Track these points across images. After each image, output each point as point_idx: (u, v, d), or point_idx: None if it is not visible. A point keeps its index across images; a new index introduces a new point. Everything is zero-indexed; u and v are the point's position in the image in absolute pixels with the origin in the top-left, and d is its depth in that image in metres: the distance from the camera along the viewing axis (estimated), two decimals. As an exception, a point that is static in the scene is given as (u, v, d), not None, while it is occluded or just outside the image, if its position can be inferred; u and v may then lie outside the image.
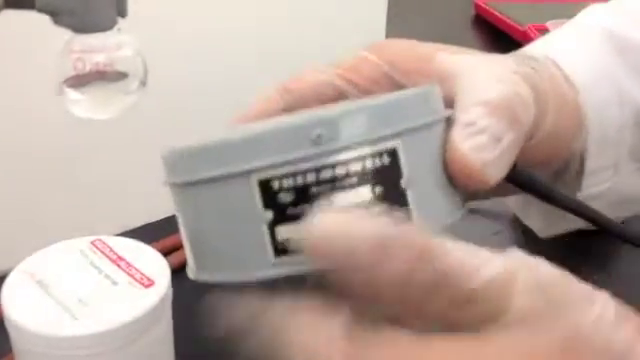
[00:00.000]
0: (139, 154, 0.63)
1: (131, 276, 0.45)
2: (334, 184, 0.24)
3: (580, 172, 0.38)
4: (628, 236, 0.35)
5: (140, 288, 0.44)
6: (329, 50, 0.48)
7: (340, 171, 0.24)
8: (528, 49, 0.39)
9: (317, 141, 0.24)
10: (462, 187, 0.27)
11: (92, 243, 0.47)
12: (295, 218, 0.24)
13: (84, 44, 0.32)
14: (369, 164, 0.25)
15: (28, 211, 0.59)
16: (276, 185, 0.24)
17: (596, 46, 0.39)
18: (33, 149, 0.58)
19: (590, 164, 0.38)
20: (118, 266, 0.46)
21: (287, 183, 0.24)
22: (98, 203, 0.62)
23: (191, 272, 0.28)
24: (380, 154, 0.25)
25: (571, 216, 0.37)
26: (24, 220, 0.58)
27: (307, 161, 0.24)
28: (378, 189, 0.25)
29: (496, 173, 0.28)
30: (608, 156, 0.38)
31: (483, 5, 1.22)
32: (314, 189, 0.24)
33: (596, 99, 0.37)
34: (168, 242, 0.61)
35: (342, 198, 0.24)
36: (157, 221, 0.65)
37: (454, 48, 0.35)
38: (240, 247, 0.25)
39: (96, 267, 0.46)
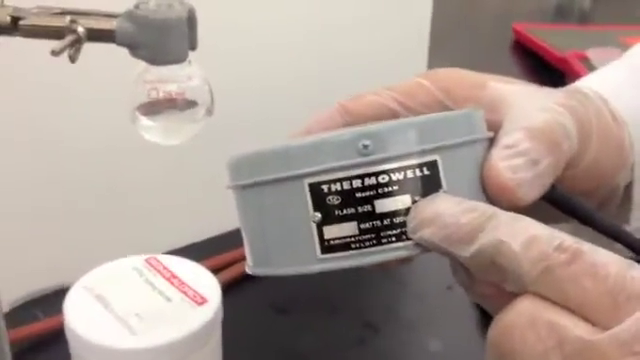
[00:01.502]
0: (186, 177, 0.66)
1: (184, 293, 0.47)
2: (377, 191, 0.27)
3: (627, 205, 0.39)
4: None
5: (193, 305, 0.46)
6: (377, 74, 0.50)
7: (383, 179, 0.27)
8: (579, 84, 0.40)
9: (363, 151, 0.26)
10: (497, 204, 0.29)
11: (146, 261, 0.49)
12: (341, 220, 0.26)
13: (158, 75, 0.34)
14: (410, 174, 0.27)
15: (87, 229, 0.61)
16: (325, 189, 0.26)
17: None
18: (92, 174, 0.60)
19: (637, 197, 0.39)
20: (171, 283, 0.48)
21: (334, 188, 0.27)
22: (151, 223, 0.64)
23: (248, 268, 0.30)
24: (421, 166, 0.27)
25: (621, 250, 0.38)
26: (84, 238, 0.61)
27: (353, 169, 0.26)
28: (418, 198, 0.27)
29: (529, 193, 0.29)
30: None
31: (522, 31, 1.22)
32: (359, 194, 0.26)
33: None
34: (217, 260, 0.64)
35: (384, 204, 0.26)
36: (204, 240, 0.68)
37: (505, 78, 0.36)
38: (291, 244, 0.28)
39: (150, 284, 0.48)
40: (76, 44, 0.34)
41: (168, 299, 0.46)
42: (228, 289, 0.58)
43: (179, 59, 0.34)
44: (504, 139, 0.30)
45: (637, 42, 0.47)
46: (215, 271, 0.53)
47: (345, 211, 0.27)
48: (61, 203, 0.59)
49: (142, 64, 0.35)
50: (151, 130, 0.36)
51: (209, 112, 0.36)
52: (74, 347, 0.45)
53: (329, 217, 0.27)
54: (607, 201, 0.39)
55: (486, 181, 0.29)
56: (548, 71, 1.11)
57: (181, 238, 0.66)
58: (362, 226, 0.27)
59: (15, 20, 0.35)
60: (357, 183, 0.27)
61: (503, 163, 0.29)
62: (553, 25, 1.38)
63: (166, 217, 0.66)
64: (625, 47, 1.05)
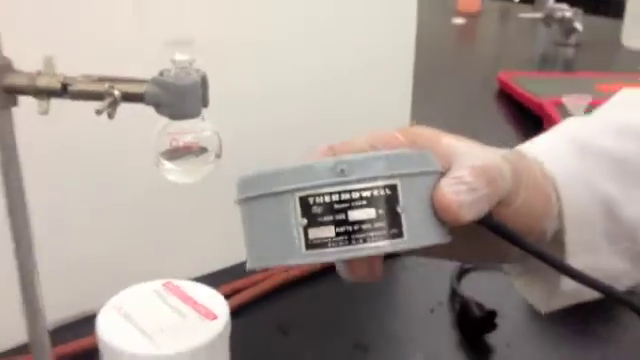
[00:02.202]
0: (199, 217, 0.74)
1: (197, 311, 0.55)
2: (350, 204, 0.35)
3: (562, 255, 0.46)
4: (615, 296, 0.42)
5: (205, 320, 0.54)
6: (362, 123, 0.59)
7: (355, 195, 0.35)
8: (519, 147, 0.48)
9: (341, 174, 0.35)
10: (443, 220, 0.37)
11: (164, 285, 0.58)
12: (321, 224, 0.35)
13: (178, 127, 0.43)
14: (376, 193, 0.35)
15: (112, 258, 0.70)
16: (311, 201, 0.35)
17: (569, 148, 0.48)
18: (117, 207, 0.69)
19: (569, 243, 0.46)
20: (186, 303, 0.56)
21: (318, 200, 0.35)
22: (168, 252, 0.73)
23: (248, 265, 0.39)
24: (384, 187, 0.36)
25: (569, 291, 0.46)
26: (109, 264, 0.69)
27: (332, 186, 0.35)
28: (381, 211, 0.35)
29: (468, 213, 0.38)
30: (584, 237, 0.46)
31: (505, 79, 1.32)
32: (336, 206, 0.35)
33: (568, 188, 0.46)
34: (227, 287, 0.72)
35: (355, 214, 0.35)
36: (215, 271, 0.76)
37: (458, 137, 0.44)
38: (282, 242, 0.36)
39: (168, 304, 0.56)
40: (113, 105, 0.43)
41: (183, 316, 0.55)
42: (236, 312, 0.67)
43: (194, 115, 0.43)
44: (452, 173, 0.39)
45: (610, 89, 0.55)
46: (226, 297, 0.61)
47: (325, 218, 0.35)
48: (93, 232, 0.68)
49: (164, 119, 0.44)
50: (172, 172, 0.44)
51: (218, 156, 0.45)
52: (106, 357, 0.53)
53: (313, 222, 0.35)
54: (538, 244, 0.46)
55: (435, 203, 0.37)
56: (528, 117, 1.20)
57: (195, 269, 0.74)
58: (337, 230, 0.35)
59: (65, 86, 0.44)
60: (335, 197, 0.35)
61: (449, 188, 0.38)
62: (537, 73, 1.48)
63: (185, 250, 0.74)
64: (599, 93, 1.14)
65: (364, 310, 0.75)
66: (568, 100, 1.11)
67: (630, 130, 0.47)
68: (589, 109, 1.09)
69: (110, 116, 0.43)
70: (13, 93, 0.45)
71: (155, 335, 0.52)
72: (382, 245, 0.35)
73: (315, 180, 0.35)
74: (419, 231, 0.36)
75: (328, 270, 0.72)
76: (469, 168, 0.39)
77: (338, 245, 0.35)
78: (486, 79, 1.37)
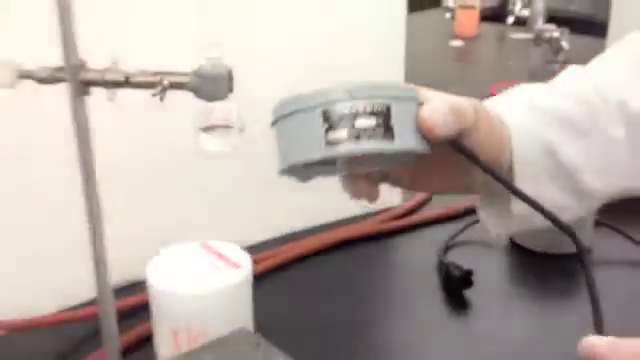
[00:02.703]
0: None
1: (225, 262, 0.69)
2: (357, 114, 0.48)
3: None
4: (556, 221, 0.55)
5: (233, 269, 0.68)
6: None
7: (360, 109, 0.48)
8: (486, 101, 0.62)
9: (352, 95, 0.48)
10: (423, 135, 0.50)
11: (202, 245, 0.71)
12: (337, 128, 0.48)
13: (211, 108, 0.58)
14: (376, 107, 0.49)
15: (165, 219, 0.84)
16: (329, 113, 0.48)
17: (521, 104, 0.62)
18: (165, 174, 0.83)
19: (516, 176, 0.59)
20: (218, 256, 0.70)
21: (334, 112, 0.48)
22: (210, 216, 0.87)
23: (280, 171, 0.51)
24: (381, 105, 0.49)
25: (520, 215, 0.59)
26: (161, 227, 0.83)
27: (344, 102, 0.48)
28: (378, 120, 0.49)
29: (441, 131, 0.51)
30: (529, 171, 0.59)
31: (499, 90, 1.46)
32: (347, 116, 0.48)
33: (517, 133, 0.59)
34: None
35: (360, 122, 0.48)
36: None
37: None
38: (309, 144, 0.49)
39: (203, 257, 0.70)
40: (163, 91, 0.58)
41: (214, 266, 0.68)
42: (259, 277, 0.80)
43: (223, 98, 0.58)
44: (430, 104, 0.52)
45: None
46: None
47: (340, 124, 0.48)
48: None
49: (202, 102, 0.58)
50: (208, 143, 0.59)
51: (242, 130, 0.59)
52: (156, 300, 0.67)
53: (331, 127, 0.48)
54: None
55: (418, 121, 0.51)
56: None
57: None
58: (348, 133, 0.48)
59: (127, 79, 0.59)
60: (347, 110, 0.48)
61: (427, 112, 0.51)
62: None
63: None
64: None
65: (366, 277, 0.89)
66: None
67: (570, 94, 0.61)
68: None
69: (161, 99, 0.57)
70: (87, 85, 0.59)
71: (192, 280, 0.67)
72: (380, 144, 0.49)
73: (333, 98, 0.49)
74: (406, 139, 0.50)
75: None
76: (442, 100, 0.53)
77: (348, 142, 0.48)
78: (481, 90, 1.51)
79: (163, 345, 0.68)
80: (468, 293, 0.83)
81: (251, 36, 0.85)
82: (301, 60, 0.89)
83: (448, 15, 2.08)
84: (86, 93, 0.60)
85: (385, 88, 0.50)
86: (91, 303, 0.73)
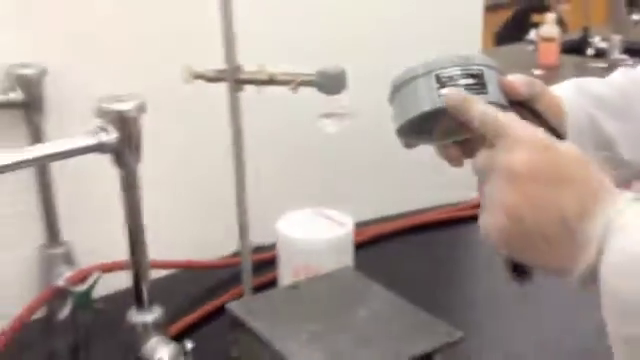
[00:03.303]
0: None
1: (334, 222, 0.91)
2: (461, 76, 0.64)
3: None
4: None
5: (338, 226, 0.89)
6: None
7: (463, 73, 0.64)
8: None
9: (455, 62, 0.64)
10: (507, 93, 0.66)
11: (316, 210, 0.93)
12: (447, 86, 0.62)
13: (331, 99, 0.80)
14: (474, 71, 0.65)
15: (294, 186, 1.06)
16: (441, 76, 0.63)
17: (573, 89, 0.79)
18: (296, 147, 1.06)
19: (570, 140, 0.76)
20: (329, 219, 0.92)
21: (444, 75, 0.63)
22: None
23: (396, 128, 0.66)
24: (477, 69, 0.63)
25: None
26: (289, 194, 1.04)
27: (451, 67, 0.62)
28: (475, 80, 0.65)
29: (521, 92, 0.66)
30: (578, 139, 0.73)
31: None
32: (455, 77, 0.64)
33: (570, 108, 0.76)
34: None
35: (462, 81, 0.64)
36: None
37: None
38: (426, 99, 0.63)
39: (317, 219, 0.92)
40: (296, 87, 0.80)
41: (325, 224, 0.90)
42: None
43: (340, 91, 0.80)
44: (512, 76, 0.70)
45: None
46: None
47: (450, 82, 0.65)
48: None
49: (323, 96, 0.80)
50: (328, 126, 0.81)
51: (351, 117, 0.81)
52: (283, 245, 0.89)
53: (443, 85, 0.65)
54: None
55: (505, 82, 0.67)
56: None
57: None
58: (453, 89, 0.64)
59: (271, 78, 0.82)
60: (454, 73, 0.65)
61: (511, 77, 0.68)
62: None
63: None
64: None
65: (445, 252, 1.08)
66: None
67: (609, 83, 0.79)
68: None
69: (294, 91, 0.80)
70: (242, 84, 0.83)
71: (308, 231, 0.89)
72: (479, 96, 0.65)
73: (443, 65, 0.66)
74: (495, 93, 0.66)
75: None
76: (519, 75, 0.72)
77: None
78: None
79: (287, 280, 0.90)
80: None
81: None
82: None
83: (531, 47, 2.26)
84: (241, 89, 0.83)
85: (477, 58, 0.68)
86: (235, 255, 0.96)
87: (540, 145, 0.56)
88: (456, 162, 0.75)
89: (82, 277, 0.88)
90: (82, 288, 0.84)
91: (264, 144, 0.99)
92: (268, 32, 0.99)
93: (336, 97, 0.81)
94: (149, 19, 0.95)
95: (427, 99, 0.65)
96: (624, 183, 0.86)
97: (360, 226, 1.10)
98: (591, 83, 0.80)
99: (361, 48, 1.08)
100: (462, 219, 1.17)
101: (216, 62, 0.82)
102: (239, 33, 0.81)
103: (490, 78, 0.66)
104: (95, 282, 0.84)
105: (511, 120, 0.59)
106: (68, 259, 0.93)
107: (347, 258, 0.90)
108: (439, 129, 0.70)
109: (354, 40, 1.08)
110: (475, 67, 0.66)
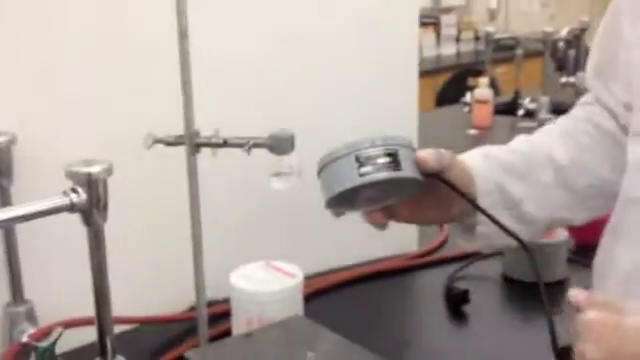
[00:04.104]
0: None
1: (284, 274, 0.97)
2: (379, 155, 0.73)
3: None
4: (518, 239, 0.81)
5: (288, 277, 0.96)
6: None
7: (380, 153, 0.73)
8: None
9: (373, 143, 0.74)
10: (420, 168, 0.76)
11: (267, 263, 1.00)
12: (366, 165, 0.73)
13: (280, 159, 0.88)
14: (389, 150, 0.74)
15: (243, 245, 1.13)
16: (359, 156, 0.72)
17: (480, 156, 0.88)
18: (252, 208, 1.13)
19: (480, 203, 0.86)
20: (279, 271, 0.98)
21: (363, 156, 0.73)
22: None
23: (325, 204, 0.77)
24: (393, 149, 0.74)
25: (484, 237, 0.86)
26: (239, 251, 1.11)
27: (369, 148, 0.73)
28: (391, 159, 0.74)
29: (432, 163, 0.76)
30: (488, 200, 0.85)
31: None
32: (373, 156, 0.73)
33: (478, 175, 0.86)
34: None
35: (381, 160, 0.73)
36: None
37: None
38: (348, 177, 0.72)
39: (267, 271, 0.99)
40: (249, 149, 0.88)
41: (275, 276, 0.97)
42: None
43: (288, 153, 0.88)
44: (423, 151, 0.80)
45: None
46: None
47: (368, 162, 0.73)
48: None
49: (272, 156, 0.88)
50: (276, 183, 0.89)
51: (299, 175, 0.89)
52: (237, 297, 0.95)
53: (361, 165, 0.73)
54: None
55: (417, 159, 0.76)
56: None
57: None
58: (373, 167, 0.73)
59: (225, 141, 0.89)
60: (372, 153, 0.73)
61: (422, 153, 0.77)
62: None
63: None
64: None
65: (392, 298, 1.16)
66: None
67: (513, 149, 0.89)
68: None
69: (248, 154, 0.88)
70: (198, 146, 0.90)
71: (260, 284, 0.96)
72: (392, 173, 0.74)
73: (361, 147, 0.74)
74: (409, 170, 0.75)
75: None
76: (429, 150, 0.80)
77: (374, 173, 0.74)
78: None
79: (241, 330, 0.96)
80: (466, 308, 1.10)
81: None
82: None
83: (466, 109, 2.39)
84: (198, 152, 0.90)
85: (394, 139, 0.77)
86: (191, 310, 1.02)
87: None
88: (380, 226, 0.83)
89: (45, 333, 0.92)
90: (45, 344, 0.89)
91: (219, 202, 1.06)
92: (223, 97, 1.08)
93: (285, 157, 0.88)
94: (115, 89, 1.02)
95: (348, 177, 0.74)
96: (533, 237, 0.94)
97: (309, 278, 1.17)
98: (496, 150, 0.90)
99: (307, 113, 1.17)
100: (406, 269, 1.25)
101: (176, 127, 0.90)
102: (196, 100, 0.88)
103: (405, 156, 0.76)
104: (58, 337, 0.89)
105: None
106: (31, 316, 0.97)
107: (297, 307, 0.97)
108: (363, 199, 0.78)
109: (300, 107, 1.17)
110: (391, 147, 0.75)
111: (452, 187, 0.81)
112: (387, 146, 0.75)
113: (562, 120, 0.93)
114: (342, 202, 0.76)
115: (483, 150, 0.90)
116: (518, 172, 0.87)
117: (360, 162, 0.74)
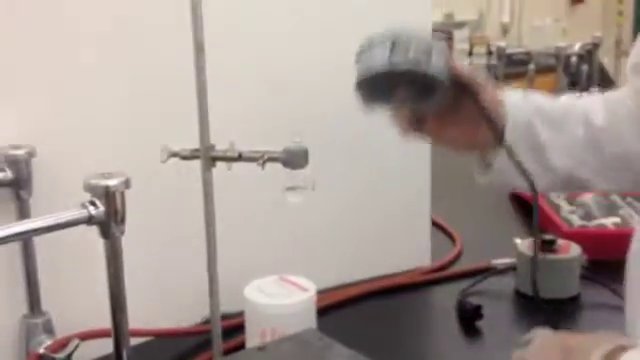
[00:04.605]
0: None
1: (298, 287, 0.98)
2: (410, 49, 0.77)
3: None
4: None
5: (302, 291, 0.97)
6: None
7: (414, 46, 0.78)
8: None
9: (410, 37, 0.78)
10: (450, 70, 0.78)
11: (280, 277, 1.01)
12: (397, 54, 0.76)
13: (294, 173, 0.88)
14: (424, 47, 0.78)
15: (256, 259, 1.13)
16: (394, 44, 0.76)
17: (519, 97, 0.89)
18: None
19: (506, 135, 0.84)
20: (293, 285, 0.99)
21: (398, 45, 0.76)
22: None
23: (355, 86, 0.79)
24: (427, 44, 0.77)
25: (500, 171, 0.86)
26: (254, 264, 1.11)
27: (407, 40, 0.77)
28: (424, 56, 0.77)
29: (463, 72, 0.80)
30: (514, 136, 0.85)
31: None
32: (406, 49, 0.76)
33: (511, 110, 0.86)
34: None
35: (412, 52, 0.77)
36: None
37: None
38: (380, 61, 0.76)
39: (281, 285, 0.99)
40: (264, 163, 0.89)
41: (289, 290, 0.98)
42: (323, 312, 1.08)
43: (303, 167, 0.89)
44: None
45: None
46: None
47: (400, 52, 0.76)
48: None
49: (286, 170, 0.89)
50: (290, 197, 0.90)
51: (313, 188, 0.90)
52: (250, 313, 0.96)
53: (394, 54, 0.76)
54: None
55: (450, 61, 0.79)
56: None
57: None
58: (403, 57, 0.76)
59: (240, 155, 0.90)
60: (407, 46, 0.77)
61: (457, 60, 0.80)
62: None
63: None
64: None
65: (404, 313, 1.16)
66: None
67: (554, 99, 0.91)
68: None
69: (262, 168, 0.89)
70: (214, 160, 0.91)
71: (273, 297, 0.96)
72: (422, 66, 0.76)
73: (401, 37, 0.76)
74: (437, 70, 0.77)
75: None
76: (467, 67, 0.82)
77: (402, 64, 0.76)
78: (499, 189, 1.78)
79: (254, 343, 0.96)
80: (480, 324, 1.10)
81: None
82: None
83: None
84: (213, 165, 0.91)
85: (433, 41, 0.78)
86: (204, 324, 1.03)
87: None
88: (404, 131, 0.84)
89: (62, 345, 0.93)
90: (62, 355, 0.90)
91: (234, 216, 1.07)
92: (238, 113, 1.09)
93: (299, 171, 0.89)
94: (134, 103, 1.03)
95: (379, 62, 0.75)
96: (548, 187, 0.94)
97: (322, 292, 1.18)
98: (537, 94, 0.92)
99: (322, 127, 1.17)
100: (418, 284, 1.25)
101: (192, 141, 0.91)
102: (212, 114, 0.89)
103: (438, 57, 0.76)
104: (74, 349, 0.90)
105: None
106: (48, 328, 0.98)
107: (311, 321, 0.98)
108: (391, 94, 0.79)
109: (315, 121, 1.17)
110: (427, 45, 0.76)
111: (480, 107, 0.82)
112: (423, 43, 0.76)
113: (607, 93, 0.94)
114: (372, 90, 0.78)
115: (523, 91, 0.91)
116: (551, 118, 0.89)
117: (393, 51, 0.75)
